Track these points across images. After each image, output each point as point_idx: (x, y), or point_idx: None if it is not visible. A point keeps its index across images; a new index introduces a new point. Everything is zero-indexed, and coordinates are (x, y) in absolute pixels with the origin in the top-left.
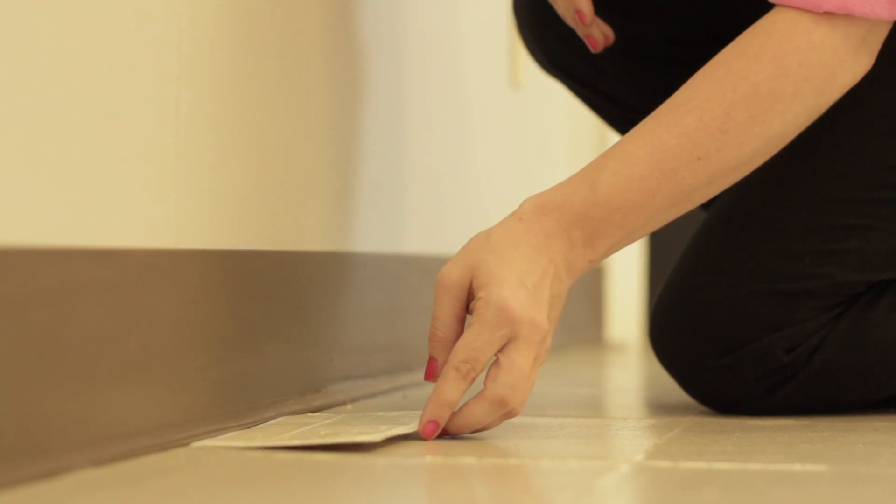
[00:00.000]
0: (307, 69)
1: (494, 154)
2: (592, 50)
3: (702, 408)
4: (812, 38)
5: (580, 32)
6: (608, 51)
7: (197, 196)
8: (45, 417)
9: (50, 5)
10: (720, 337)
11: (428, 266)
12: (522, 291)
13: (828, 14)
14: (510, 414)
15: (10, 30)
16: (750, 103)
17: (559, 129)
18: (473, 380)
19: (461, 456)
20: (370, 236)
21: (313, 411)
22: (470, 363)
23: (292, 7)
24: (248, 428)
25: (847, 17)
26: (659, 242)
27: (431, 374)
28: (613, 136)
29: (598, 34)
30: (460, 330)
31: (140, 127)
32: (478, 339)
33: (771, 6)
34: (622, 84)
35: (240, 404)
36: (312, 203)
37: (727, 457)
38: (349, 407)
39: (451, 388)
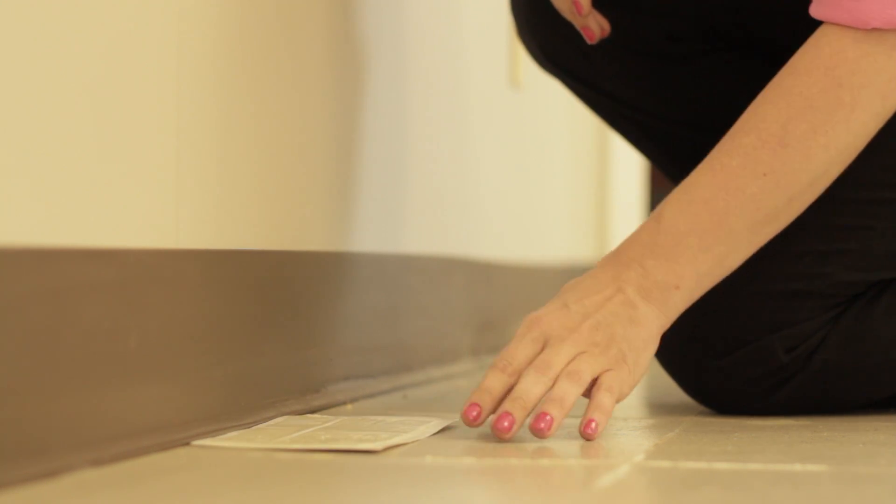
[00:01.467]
0: (307, 69)
1: (494, 154)
2: (588, 41)
3: (702, 408)
4: (862, 48)
5: (576, 24)
6: (606, 47)
7: (197, 196)
8: (45, 417)
9: (49, 5)
10: (720, 337)
11: (428, 266)
12: (556, 306)
13: (876, 30)
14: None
15: (10, 30)
16: (807, 116)
17: (559, 129)
18: (514, 374)
19: (461, 456)
20: (370, 236)
21: (313, 411)
22: (506, 359)
23: (293, 6)
24: (248, 428)
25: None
26: None
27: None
28: (614, 136)
29: (594, 26)
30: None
31: (140, 127)
32: (511, 344)
33: (802, 14)
34: (620, 81)
35: (240, 404)
36: (312, 203)
37: (727, 457)
38: (349, 407)
39: (490, 377)
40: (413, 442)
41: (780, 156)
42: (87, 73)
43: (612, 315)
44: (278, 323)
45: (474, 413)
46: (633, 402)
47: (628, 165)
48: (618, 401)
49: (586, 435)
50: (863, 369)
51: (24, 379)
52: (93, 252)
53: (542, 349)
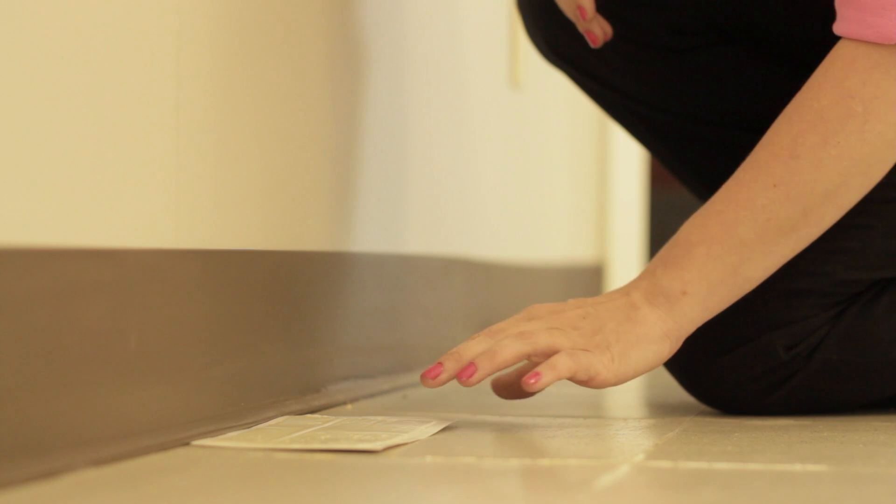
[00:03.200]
0: (307, 69)
1: (494, 154)
2: (592, 45)
3: (702, 408)
4: (873, 58)
5: (580, 27)
6: (610, 40)
7: (197, 196)
8: (45, 417)
9: (49, 5)
10: (720, 335)
11: (428, 266)
12: (558, 302)
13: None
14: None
15: (10, 30)
16: (818, 127)
17: (559, 130)
18: (491, 336)
19: (461, 456)
20: (370, 236)
21: (313, 411)
22: (490, 329)
23: (292, 6)
24: (248, 428)
25: None
26: (659, 243)
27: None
28: (614, 135)
29: (597, 30)
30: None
31: (140, 127)
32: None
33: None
34: (624, 73)
35: (240, 404)
36: (312, 203)
37: (727, 457)
38: (349, 407)
39: (468, 341)
40: (413, 442)
41: (790, 167)
42: (86, 72)
43: (607, 311)
44: (278, 323)
45: (434, 373)
46: (633, 402)
47: (628, 165)
48: (593, 384)
49: (526, 385)
50: (863, 368)
51: (24, 379)
52: (93, 252)
53: None
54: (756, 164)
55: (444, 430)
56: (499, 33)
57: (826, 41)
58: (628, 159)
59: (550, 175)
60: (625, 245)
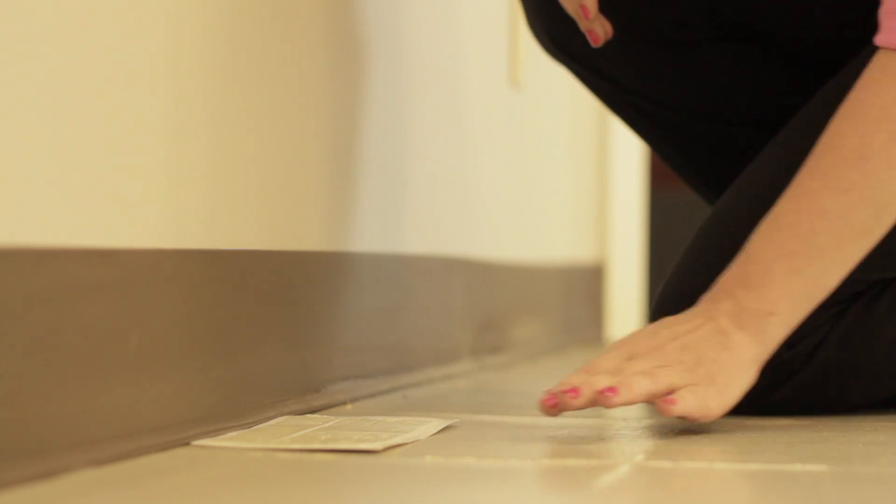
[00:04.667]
0: (307, 69)
1: (494, 154)
2: (593, 44)
3: None
4: None
5: (582, 26)
6: (615, 35)
7: (197, 196)
8: (45, 417)
9: (48, 4)
10: None
11: (428, 266)
12: (645, 331)
13: None
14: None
15: (9, 30)
16: (884, 124)
17: (559, 130)
18: (587, 372)
19: (461, 456)
20: (370, 236)
21: (313, 411)
22: (590, 365)
23: (291, 6)
24: (248, 428)
25: None
26: (658, 242)
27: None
28: (615, 135)
29: (599, 29)
30: None
31: (140, 126)
32: (597, 356)
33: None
34: (626, 67)
35: (240, 404)
36: (312, 203)
37: (727, 457)
38: (349, 407)
39: (573, 376)
40: (413, 442)
41: (861, 169)
42: (85, 72)
43: (702, 340)
44: (278, 323)
45: (550, 402)
46: None
47: (628, 165)
48: (703, 419)
49: (663, 403)
50: (864, 368)
51: (24, 379)
52: (93, 252)
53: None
54: (822, 170)
55: (444, 430)
56: (499, 33)
57: (825, 35)
58: (628, 159)
59: (550, 175)
60: (625, 245)
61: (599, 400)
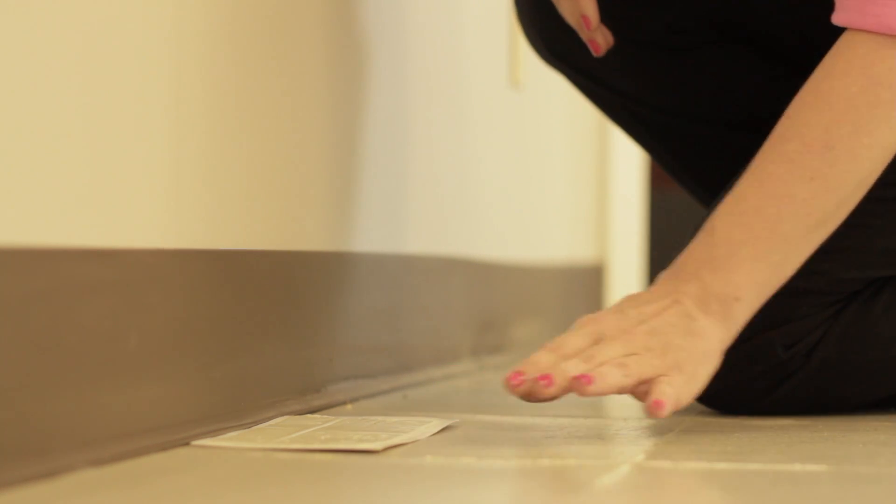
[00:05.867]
0: (307, 69)
1: (494, 154)
2: (595, 54)
3: (702, 408)
4: None
5: (583, 36)
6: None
7: (197, 196)
8: (45, 417)
9: (48, 5)
10: None
11: (428, 266)
12: (612, 311)
13: None
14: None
15: (9, 29)
16: (849, 116)
17: (559, 129)
18: (562, 358)
19: (461, 456)
20: (370, 236)
21: (313, 411)
22: (557, 343)
23: (292, 6)
24: (248, 428)
25: None
26: (658, 242)
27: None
28: (614, 135)
29: (600, 39)
30: None
31: (139, 126)
32: (564, 334)
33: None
34: (622, 73)
35: (240, 404)
36: (312, 203)
37: (727, 457)
38: (349, 407)
39: (538, 354)
40: (413, 442)
41: (827, 159)
42: (85, 72)
43: (670, 325)
44: (278, 323)
45: (517, 380)
46: (634, 402)
47: (628, 165)
48: (674, 409)
49: (653, 408)
50: (862, 367)
51: (24, 379)
52: (93, 252)
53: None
54: (787, 156)
55: (444, 430)
56: (499, 33)
57: (824, 39)
58: (628, 159)
59: (550, 175)
60: (625, 245)
61: (573, 387)
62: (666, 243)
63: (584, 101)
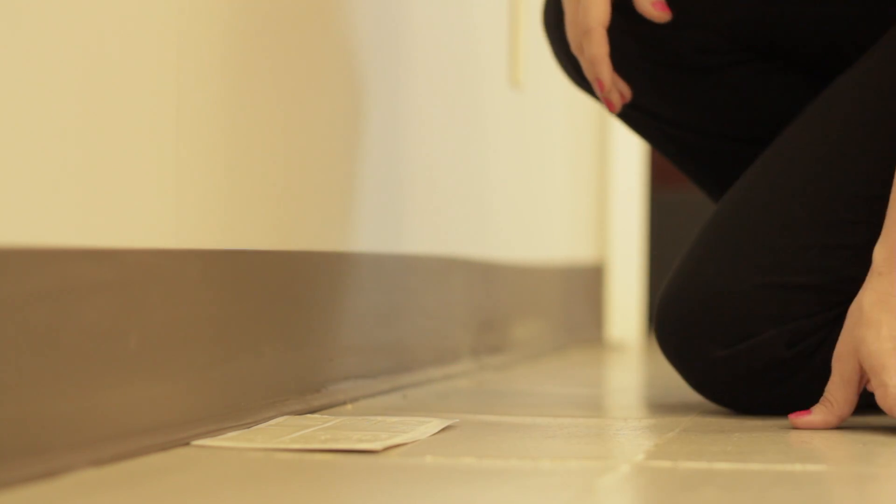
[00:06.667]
0: (307, 69)
1: (494, 154)
2: (610, 111)
3: (702, 408)
4: None
5: (598, 95)
6: (638, 62)
7: (197, 196)
8: (45, 417)
9: (49, 5)
10: (724, 328)
11: (428, 266)
12: None
13: None
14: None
15: (9, 29)
16: None
17: (559, 130)
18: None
19: (461, 456)
20: (370, 236)
21: (313, 411)
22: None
23: (292, 6)
24: (248, 428)
25: None
26: (658, 242)
27: None
28: (615, 135)
29: (616, 98)
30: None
31: (140, 126)
32: None
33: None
34: (653, 95)
35: (240, 404)
36: (312, 203)
37: (727, 457)
38: (349, 407)
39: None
40: (413, 442)
41: None
42: (86, 72)
43: None
44: (278, 323)
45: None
46: (633, 402)
47: (628, 165)
48: None
49: None
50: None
51: (24, 379)
52: (93, 252)
53: None
54: None
55: (444, 430)
56: (499, 34)
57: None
58: (628, 159)
59: (550, 175)
60: (625, 245)
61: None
62: (666, 243)
63: (584, 101)
